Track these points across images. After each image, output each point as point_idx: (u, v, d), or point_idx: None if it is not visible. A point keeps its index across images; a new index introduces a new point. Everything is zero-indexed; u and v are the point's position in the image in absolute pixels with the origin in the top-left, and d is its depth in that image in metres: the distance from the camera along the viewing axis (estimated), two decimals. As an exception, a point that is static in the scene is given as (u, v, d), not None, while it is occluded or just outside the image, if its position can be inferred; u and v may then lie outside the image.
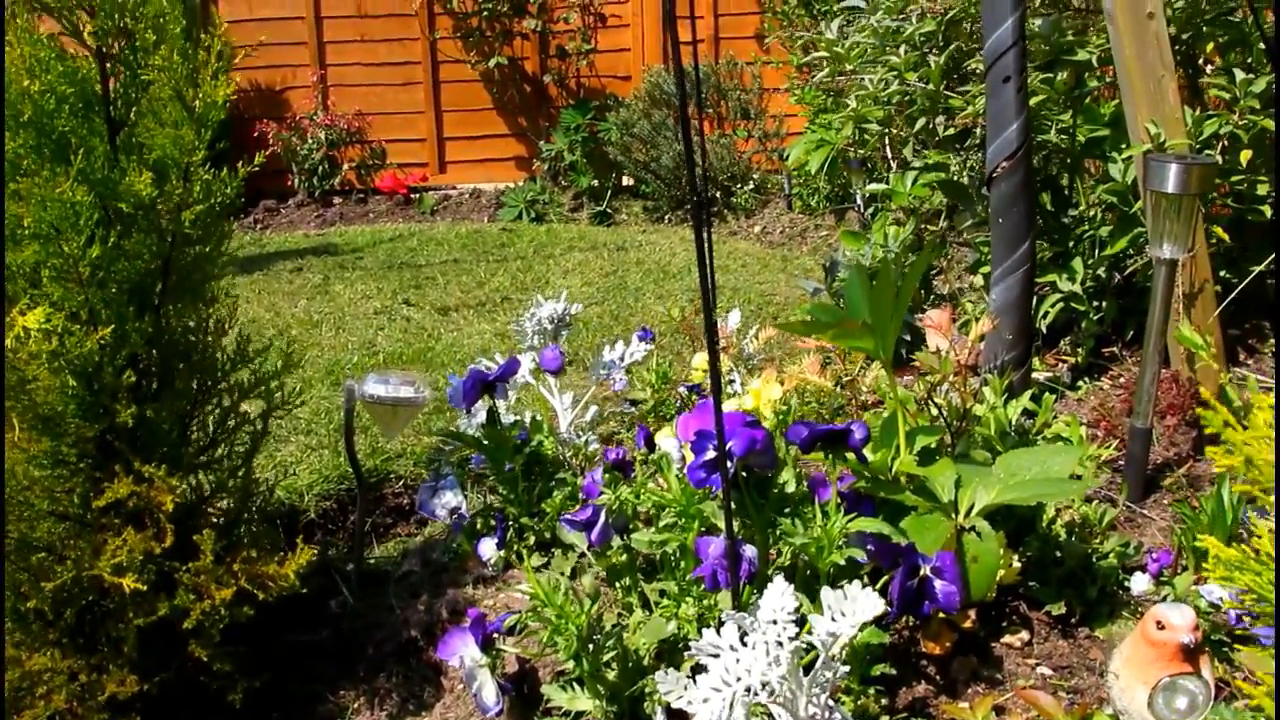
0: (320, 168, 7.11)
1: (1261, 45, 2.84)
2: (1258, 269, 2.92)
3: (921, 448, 2.04)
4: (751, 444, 1.77)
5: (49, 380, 1.80)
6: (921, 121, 3.05)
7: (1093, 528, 2.16)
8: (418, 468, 3.13)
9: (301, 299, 5.21)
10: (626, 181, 7.02)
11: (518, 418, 2.45)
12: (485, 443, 2.27)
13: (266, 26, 7.21)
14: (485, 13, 7.01)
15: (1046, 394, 2.60)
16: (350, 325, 4.73)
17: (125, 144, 1.90)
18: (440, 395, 3.72)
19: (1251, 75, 2.60)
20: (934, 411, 2.46)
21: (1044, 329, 3.11)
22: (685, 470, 1.82)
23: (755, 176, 6.67)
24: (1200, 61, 2.84)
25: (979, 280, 3.34)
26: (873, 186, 3.85)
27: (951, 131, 3.04)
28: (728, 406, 2.37)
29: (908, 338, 3.26)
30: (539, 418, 2.49)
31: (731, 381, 3.01)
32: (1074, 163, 3.17)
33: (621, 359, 2.58)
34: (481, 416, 2.43)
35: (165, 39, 1.89)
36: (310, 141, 7.07)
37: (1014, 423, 2.45)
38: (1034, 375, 2.90)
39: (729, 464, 1.76)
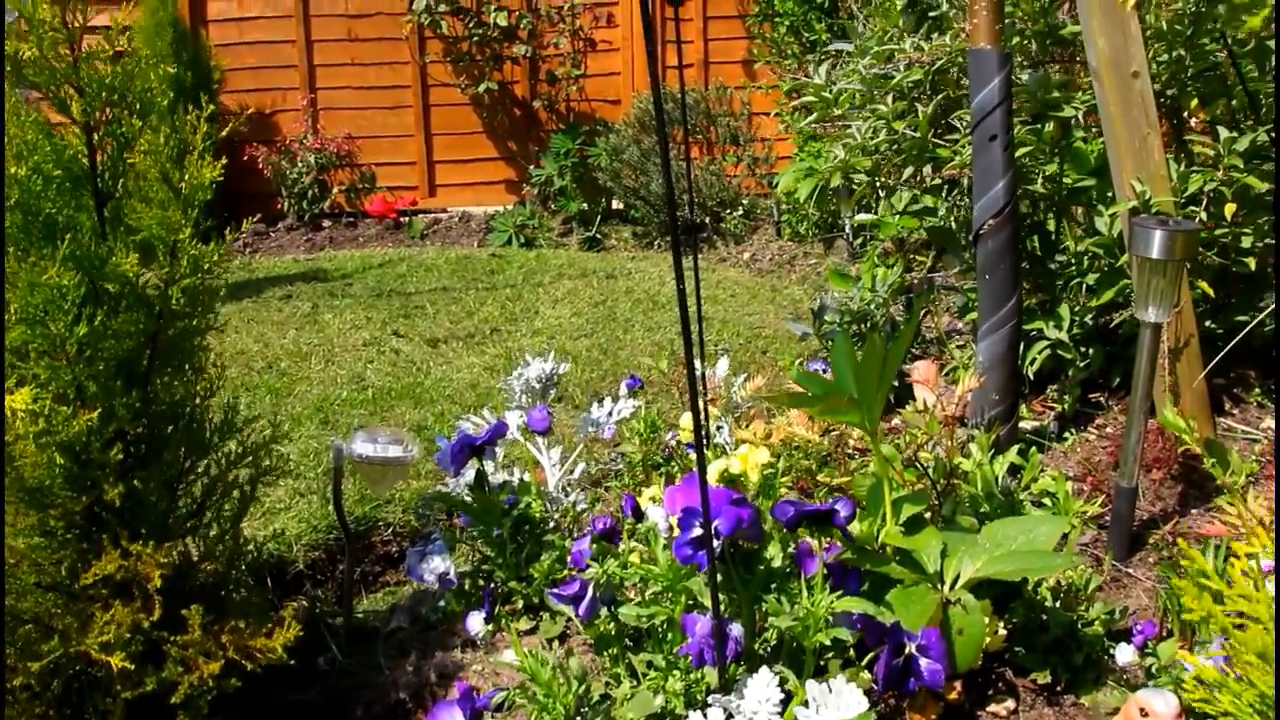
0: (310, 191, 7.11)
1: (1246, 98, 2.87)
2: (1242, 318, 2.94)
3: (908, 517, 2.05)
4: (738, 523, 1.78)
5: (36, 456, 1.80)
6: (909, 170, 3.07)
7: (1079, 592, 2.17)
8: (406, 514, 3.13)
9: (290, 329, 5.21)
10: (616, 205, 7.03)
11: (507, 477, 2.45)
12: (474, 507, 2.28)
13: (256, 50, 7.21)
14: (475, 38, 7.01)
15: (1033, 449, 2.62)
16: (339, 358, 4.72)
17: (113, 215, 1.90)
18: (430, 432, 3.72)
19: (1235, 133, 2.62)
20: (921, 469, 2.48)
21: (1031, 375, 3.12)
22: (673, 545, 1.83)
23: (745, 201, 6.69)
24: (1185, 114, 2.86)
25: (965, 324, 3.35)
26: (861, 217, 3.87)
27: (938, 181, 3.06)
28: (714, 469, 2.37)
29: (895, 383, 3.28)
30: (527, 478, 2.49)
31: (720, 429, 3.02)
32: (1060, 208, 3.18)
33: (610, 415, 2.59)
34: (470, 474, 2.44)
35: (153, 111, 1.90)
36: (300, 165, 7.07)
37: (1000, 479, 2.46)
38: (1021, 424, 2.92)
39: (715, 542, 1.77)
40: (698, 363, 3.09)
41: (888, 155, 3.08)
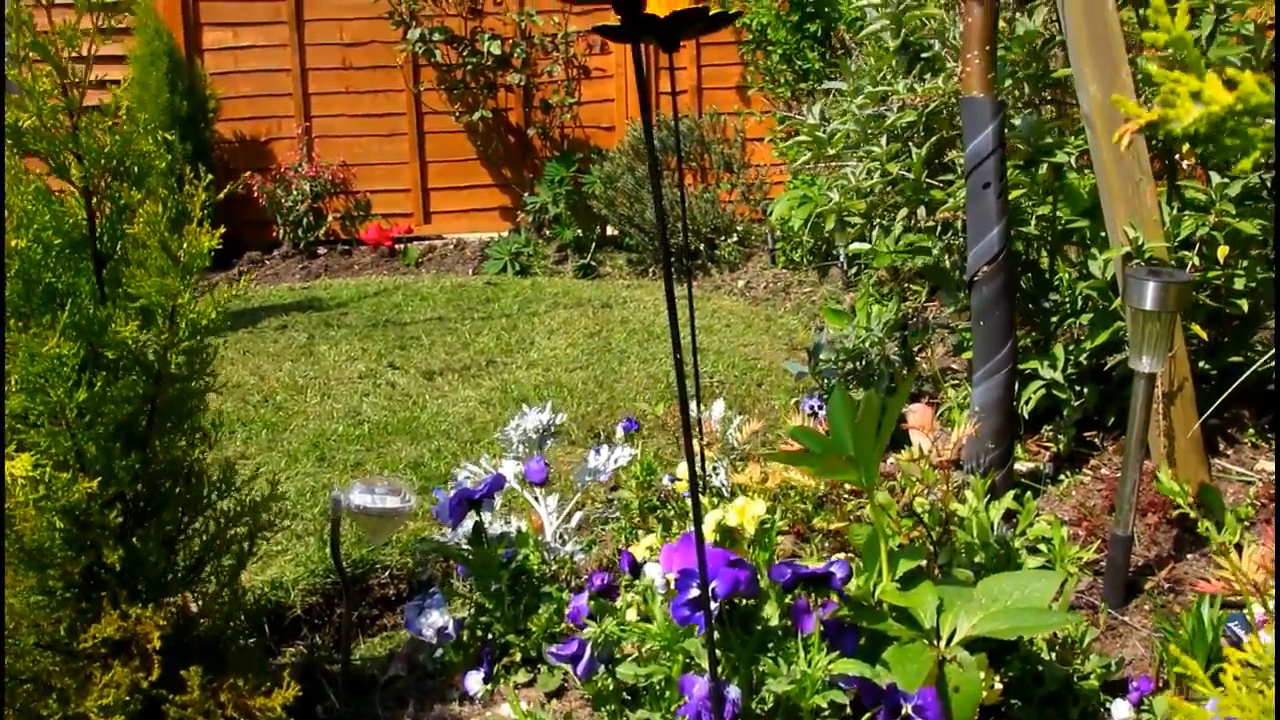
0: (305, 219, 7.12)
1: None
2: (1236, 359, 2.96)
3: (904, 572, 2.06)
4: (735, 585, 1.79)
5: (36, 520, 1.81)
6: (903, 212, 3.08)
7: (1075, 644, 2.17)
8: (404, 556, 3.13)
9: (286, 361, 5.21)
10: (611, 232, 7.05)
11: (504, 527, 2.46)
12: (472, 560, 2.28)
13: (252, 78, 7.23)
14: (469, 66, 7.04)
15: (1028, 494, 2.63)
16: (335, 391, 4.72)
17: (111, 277, 1.91)
18: (426, 470, 3.73)
19: (1226, 178, 2.64)
20: (917, 518, 2.49)
21: (1026, 415, 3.13)
22: (670, 605, 1.84)
23: (739, 228, 6.71)
24: (1176, 157, 2.88)
25: (960, 363, 3.36)
26: (856, 246, 3.88)
27: (932, 223, 3.08)
28: (711, 519, 2.38)
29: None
30: (524, 528, 2.50)
31: (717, 471, 3.03)
32: (1054, 246, 3.20)
33: (607, 464, 2.60)
34: (469, 523, 2.44)
35: (151, 174, 1.91)
36: (295, 193, 7.08)
37: (996, 525, 2.47)
38: (1017, 466, 2.93)
39: (713, 605, 1.78)
40: (692, 405, 3.10)
41: (882, 197, 3.09)
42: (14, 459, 1.78)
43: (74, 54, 1.71)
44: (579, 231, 6.93)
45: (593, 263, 6.84)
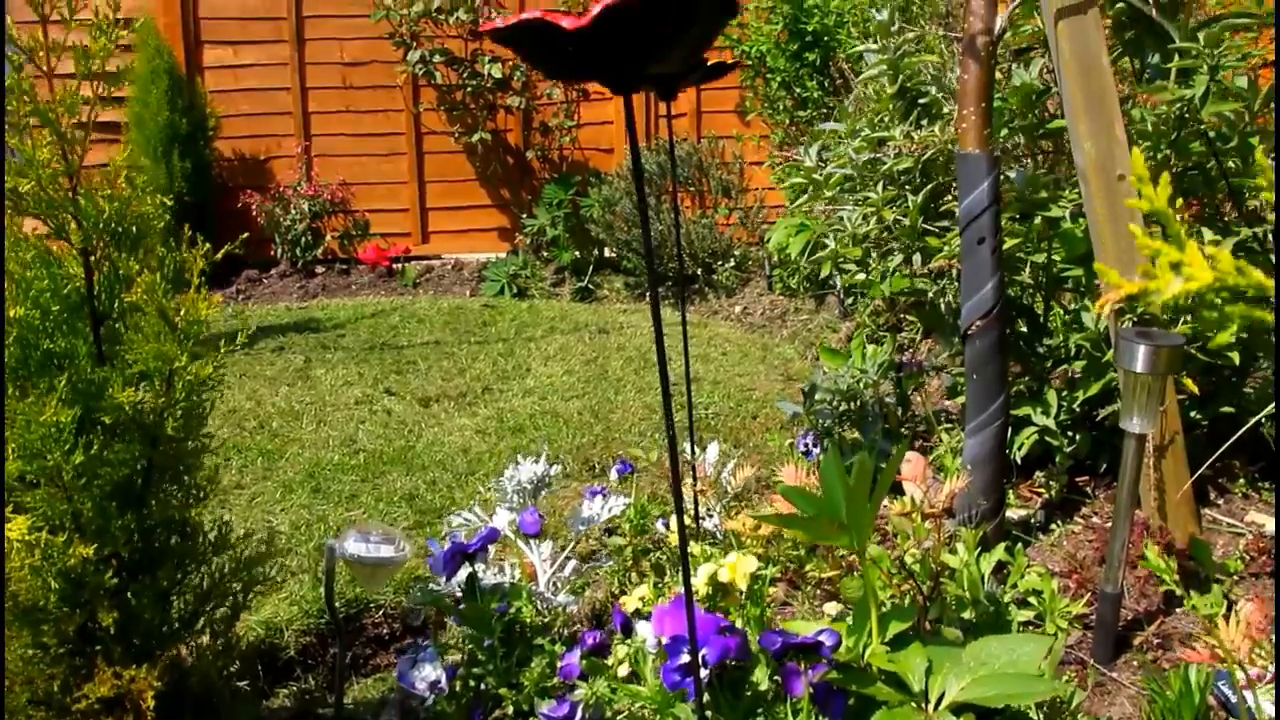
0: (303, 239, 7.13)
1: (1229, 194, 2.91)
2: (1227, 409, 2.97)
3: (894, 635, 2.07)
4: (725, 652, 1.80)
5: (32, 581, 1.82)
6: (899, 258, 3.10)
7: (1064, 705, 2.19)
8: (397, 595, 3.14)
9: (283, 385, 5.22)
10: (609, 254, 7.07)
11: (497, 577, 2.47)
12: (467, 614, 2.30)
13: (251, 97, 7.26)
14: (470, 88, 7.06)
15: (1019, 546, 2.64)
16: (331, 417, 4.73)
17: (109, 335, 1.93)
18: (421, 503, 3.74)
19: (1218, 238, 2.65)
20: (908, 572, 2.50)
21: (1019, 460, 3.14)
22: (661, 671, 1.85)
23: (736, 253, 6.73)
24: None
25: (954, 406, 3.38)
26: (851, 250, 3.90)
27: (927, 271, 3.09)
28: (703, 572, 2.39)
29: (883, 465, 3.30)
30: (518, 575, 2.51)
31: (711, 514, 3.04)
32: (1048, 290, 3.22)
33: (600, 513, 2.61)
34: (463, 573, 2.45)
35: (149, 234, 1.92)
36: (294, 212, 7.10)
37: (986, 578, 2.48)
38: (1008, 514, 2.94)
39: (703, 671, 1.79)
40: (686, 446, 3.11)
41: (878, 242, 3.11)
42: (11, 520, 1.79)
43: (75, 120, 1.72)
44: (577, 254, 6.95)
45: (590, 285, 6.86)
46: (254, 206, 7.11)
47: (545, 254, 7.13)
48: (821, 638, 1.85)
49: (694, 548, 2.65)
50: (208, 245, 1.85)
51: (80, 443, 1.79)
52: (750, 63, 6.89)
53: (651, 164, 6.75)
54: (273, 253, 7.24)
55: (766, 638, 1.85)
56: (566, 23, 1.41)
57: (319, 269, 7.29)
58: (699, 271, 6.67)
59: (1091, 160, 2.59)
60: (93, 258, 1.92)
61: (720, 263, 6.67)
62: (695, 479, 2.94)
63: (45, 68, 1.73)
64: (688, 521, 2.97)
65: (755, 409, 4.63)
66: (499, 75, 6.98)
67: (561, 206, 6.95)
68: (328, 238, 7.29)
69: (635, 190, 1.42)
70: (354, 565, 2.47)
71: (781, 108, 6.66)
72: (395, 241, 7.41)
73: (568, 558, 2.59)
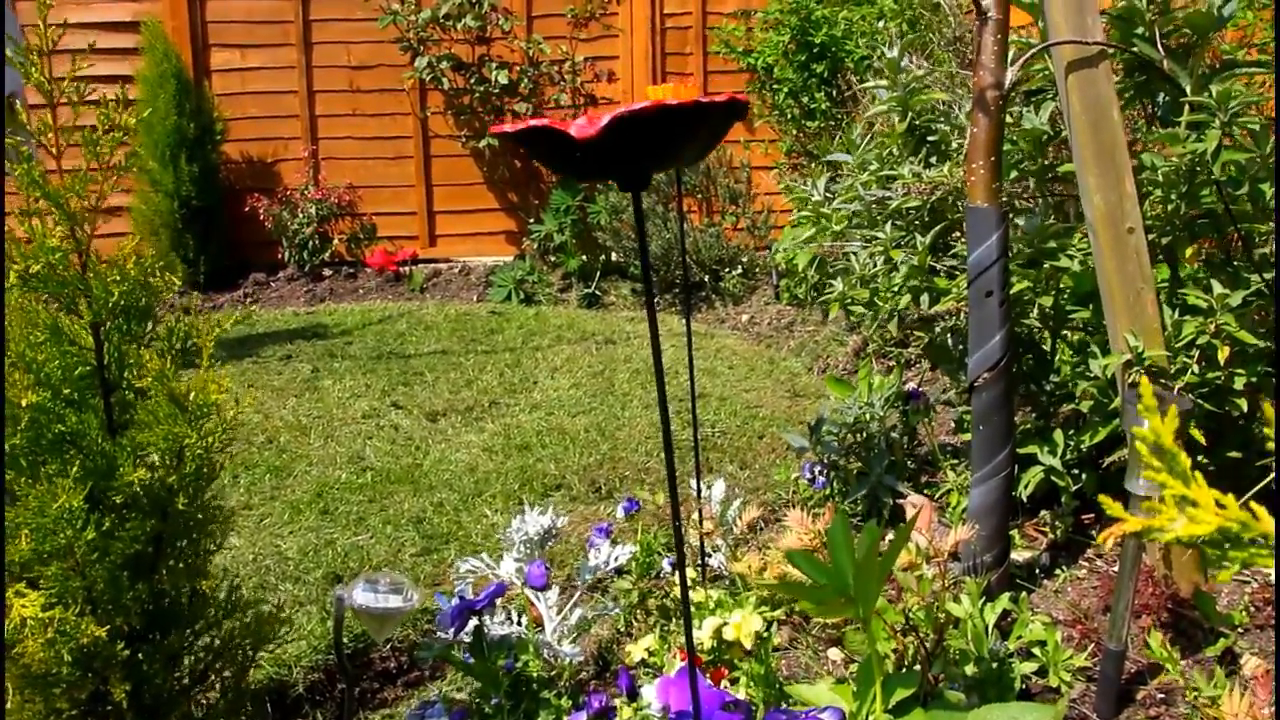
0: (311, 242, 7.14)
1: (1240, 241, 2.90)
2: (1234, 454, 2.98)
3: (898, 701, 2.08)
4: (731, 732, 1.81)
5: (45, 654, 1.83)
6: (906, 299, 3.10)
7: (1067, 769, 2.20)
8: (403, 629, 3.16)
9: (290, 396, 5.24)
10: (616, 259, 7.06)
11: (505, 628, 2.49)
12: (475, 669, 2.31)
13: (259, 100, 7.25)
14: (477, 94, 7.05)
15: (1023, 595, 2.65)
16: (339, 432, 4.75)
17: (119, 403, 1.94)
18: (428, 527, 3.75)
19: (1228, 289, 2.65)
20: (911, 626, 2.51)
21: (1025, 499, 3.15)
22: (667, 744, 1.87)
23: (744, 260, 6.72)
24: (1179, 265, 2.89)
25: (960, 443, 3.38)
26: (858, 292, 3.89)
27: (934, 312, 3.09)
28: (708, 625, 2.41)
29: (889, 500, 3.32)
30: (525, 625, 2.53)
31: (718, 550, 3.05)
32: (1055, 328, 3.22)
33: (607, 561, 2.62)
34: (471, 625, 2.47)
35: (157, 306, 1.93)
36: (301, 216, 7.10)
37: (990, 630, 2.49)
38: (1013, 556, 2.95)
39: (710, 751, 1.81)
40: (691, 482, 3.12)
41: (885, 283, 3.11)
42: (25, 596, 1.81)
43: (85, 205, 1.73)
44: (584, 259, 6.95)
45: (597, 292, 6.86)
46: (261, 210, 7.12)
47: (552, 259, 7.13)
48: (824, 716, 1.86)
49: (699, 594, 2.67)
50: (216, 320, 1.86)
51: (92, 520, 1.80)
52: (758, 74, 6.87)
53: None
54: (280, 256, 7.25)
55: (772, 717, 1.86)
56: (574, 130, 1.42)
57: (326, 272, 7.29)
58: (706, 279, 6.67)
59: (1101, 214, 2.59)
60: (103, 329, 1.93)
61: (727, 270, 6.67)
62: (701, 520, 2.95)
63: (55, 151, 1.74)
64: (693, 564, 2.99)
65: (762, 427, 4.63)
66: (506, 81, 6.97)
67: (569, 212, 6.94)
68: (335, 241, 7.29)
69: (642, 277, 1.43)
70: (362, 615, 2.49)
71: (790, 116, 6.64)
72: (402, 245, 7.41)
73: (574, 605, 2.60)
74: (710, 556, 3.05)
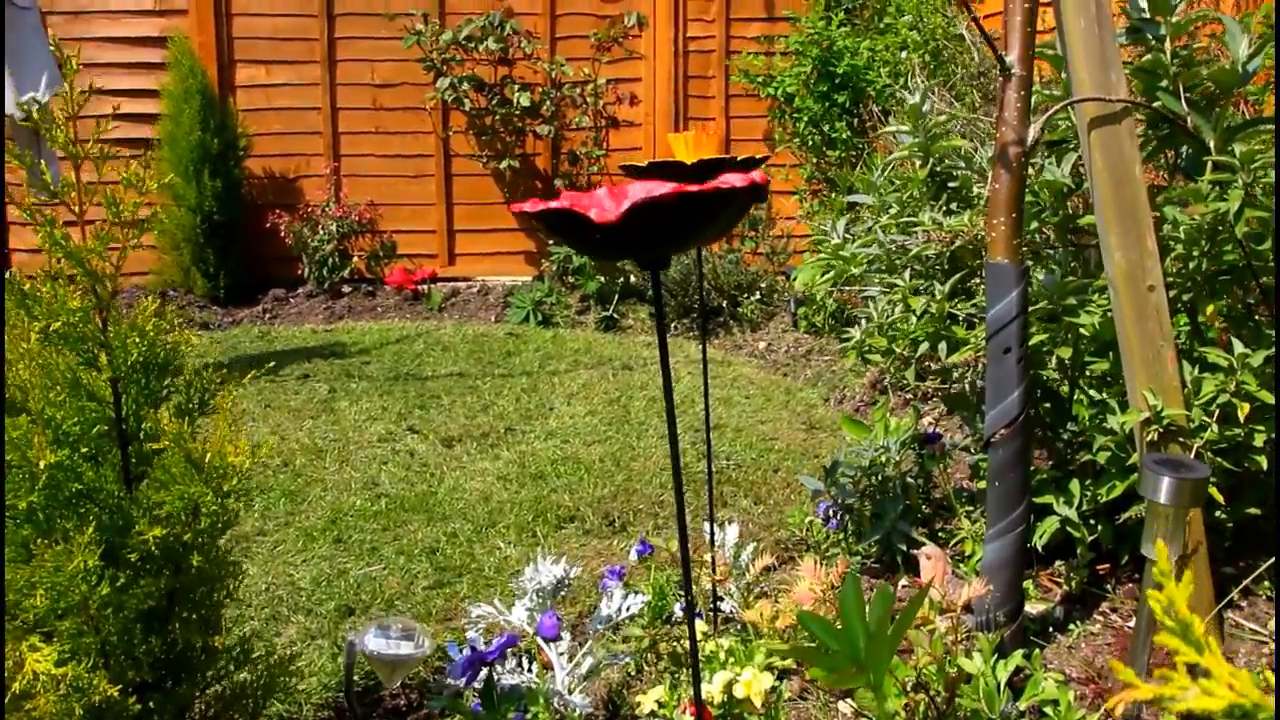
0: (331, 259, 7.17)
1: (1260, 295, 2.88)
2: (1253, 510, 2.96)
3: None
4: (741, 803, 1.81)
5: (57, 709, 1.84)
6: (924, 346, 3.09)
7: (1077, 837, 2.19)
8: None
9: (307, 418, 5.25)
10: (634, 281, 7.07)
11: (516, 677, 2.49)
12: (482, 721, 2.32)
13: (283, 116, 7.29)
14: (499, 115, 7.07)
15: (1036, 652, 2.64)
16: (354, 457, 4.76)
17: (137, 455, 1.95)
18: (441, 559, 3.75)
19: (1248, 350, 2.64)
20: (922, 684, 2.50)
21: (1040, 548, 3.13)
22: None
23: (763, 285, 6.72)
24: (1200, 320, 2.88)
25: (977, 487, 3.37)
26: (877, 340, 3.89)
27: (953, 361, 3.08)
28: (719, 680, 2.40)
29: (903, 547, 3.31)
30: (535, 680, 2.52)
31: (730, 594, 3.05)
32: (1073, 376, 3.20)
33: (619, 613, 2.62)
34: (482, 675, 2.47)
35: (175, 365, 1.94)
36: (322, 233, 7.13)
37: (1002, 688, 2.48)
38: (1027, 608, 2.93)
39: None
40: (705, 526, 3.12)
41: (903, 329, 3.10)
42: (39, 650, 1.81)
43: (105, 267, 1.74)
44: (602, 281, 6.95)
45: (615, 315, 6.86)
46: (282, 226, 7.15)
47: (571, 280, 7.14)
48: (836, 790, 1.86)
49: (709, 645, 2.66)
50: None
51: (107, 575, 1.81)
52: (778, 103, 6.87)
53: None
54: (300, 272, 7.28)
55: (781, 788, 1.86)
56: (594, 214, 1.42)
57: (345, 289, 7.32)
58: (724, 304, 6.66)
59: (1121, 271, 2.58)
60: (122, 383, 1.94)
61: (746, 296, 6.66)
62: (714, 567, 2.95)
63: (77, 210, 1.75)
64: (705, 608, 2.98)
65: (777, 461, 4.62)
66: (528, 103, 6.99)
67: (588, 235, 6.94)
68: (355, 258, 7.32)
69: (661, 375, 1.43)
70: (374, 661, 2.50)
71: (810, 144, 6.64)
72: (422, 263, 7.43)
73: (586, 654, 2.60)
74: (722, 600, 3.04)
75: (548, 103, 7.07)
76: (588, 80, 7.15)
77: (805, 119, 6.61)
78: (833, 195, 6.16)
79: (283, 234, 7.12)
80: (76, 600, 1.78)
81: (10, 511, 1.74)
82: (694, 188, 1.38)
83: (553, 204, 1.43)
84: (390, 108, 7.33)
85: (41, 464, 1.64)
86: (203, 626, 2.04)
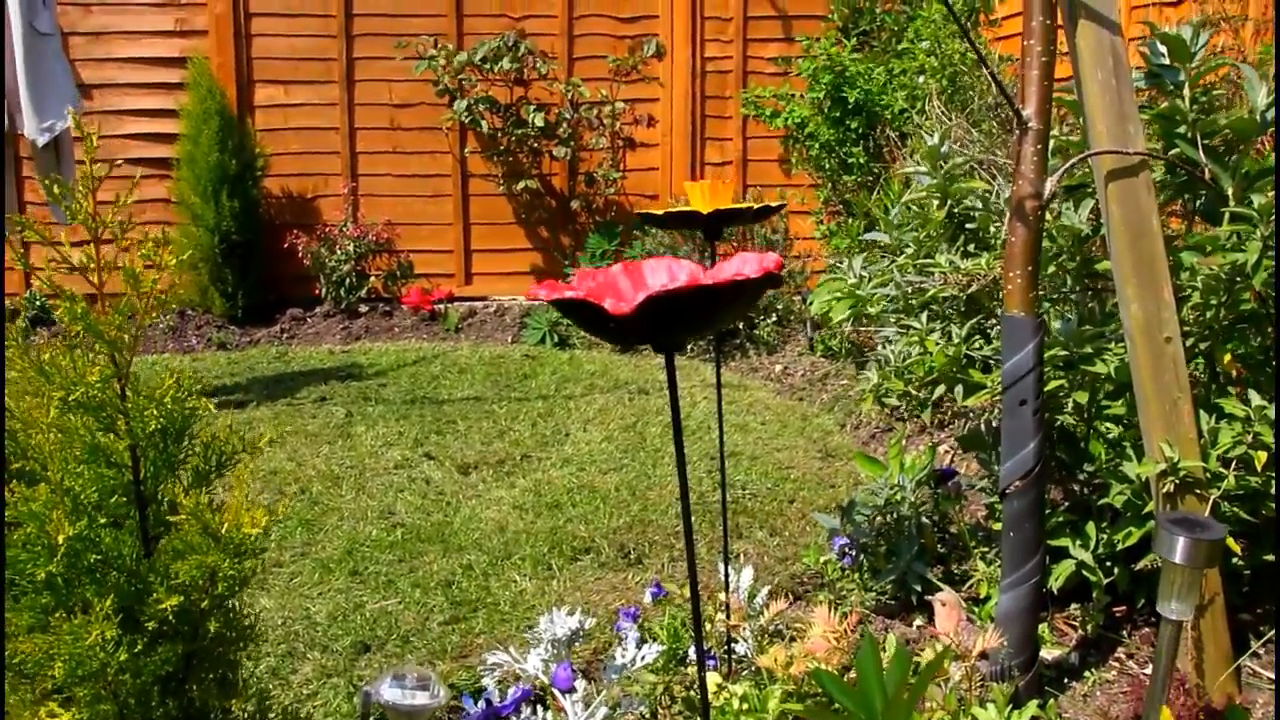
0: (348, 280, 7.19)
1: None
2: (1269, 557, 2.95)
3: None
4: None
5: (73, 770, 1.86)
6: (940, 389, 3.09)
7: None
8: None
9: (324, 443, 5.27)
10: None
11: (529, 726, 2.50)
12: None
13: (301, 136, 7.33)
14: (515, 137, 7.09)
15: (1050, 702, 2.64)
16: (370, 484, 4.77)
17: (154, 517, 1.96)
18: (456, 592, 3.76)
19: (1265, 401, 2.63)
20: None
21: (1055, 591, 3.13)
22: None
23: (779, 307, 6.71)
24: (1217, 370, 2.87)
25: (995, 526, 3.36)
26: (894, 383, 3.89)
27: (967, 404, 3.08)
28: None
29: (918, 588, 3.30)
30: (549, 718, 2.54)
31: (744, 637, 3.05)
32: (1090, 418, 3.19)
33: (633, 662, 2.62)
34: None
35: (194, 422, 1.96)
36: (339, 253, 7.16)
37: (1019, 740, 2.48)
38: (1042, 654, 2.93)
39: None
40: (720, 565, 3.12)
41: (920, 369, 3.10)
42: (57, 717, 1.83)
43: (125, 336, 1.76)
44: (619, 302, 6.95)
45: (631, 336, 6.86)
46: (300, 246, 7.18)
47: (588, 301, 7.14)
48: None
49: (722, 696, 2.66)
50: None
51: (124, 641, 1.82)
52: (790, 131, 6.87)
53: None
54: (318, 291, 7.31)
55: None
56: (609, 306, 1.42)
57: (362, 309, 7.35)
58: (740, 326, 6.66)
59: (1139, 323, 2.57)
60: (139, 447, 1.96)
61: (762, 318, 6.66)
62: (728, 612, 2.95)
63: (96, 282, 1.76)
64: (719, 652, 2.98)
65: (793, 491, 4.62)
66: (543, 123, 7.01)
67: (605, 257, 6.97)
68: (372, 278, 7.35)
69: (675, 441, 1.43)
70: (390, 712, 2.51)
71: (826, 167, 6.64)
72: (439, 283, 7.45)
73: (600, 704, 2.61)
74: (736, 643, 3.04)
75: (564, 124, 7.08)
76: (605, 101, 7.17)
77: (818, 145, 6.61)
78: (850, 220, 6.15)
79: (300, 254, 7.16)
80: (95, 668, 1.79)
81: (30, 581, 1.76)
82: (709, 280, 1.39)
83: (568, 293, 1.44)
84: (408, 128, 7.36)
85: (60, 538, 1.65)
86: (220, 688, 2.05)
